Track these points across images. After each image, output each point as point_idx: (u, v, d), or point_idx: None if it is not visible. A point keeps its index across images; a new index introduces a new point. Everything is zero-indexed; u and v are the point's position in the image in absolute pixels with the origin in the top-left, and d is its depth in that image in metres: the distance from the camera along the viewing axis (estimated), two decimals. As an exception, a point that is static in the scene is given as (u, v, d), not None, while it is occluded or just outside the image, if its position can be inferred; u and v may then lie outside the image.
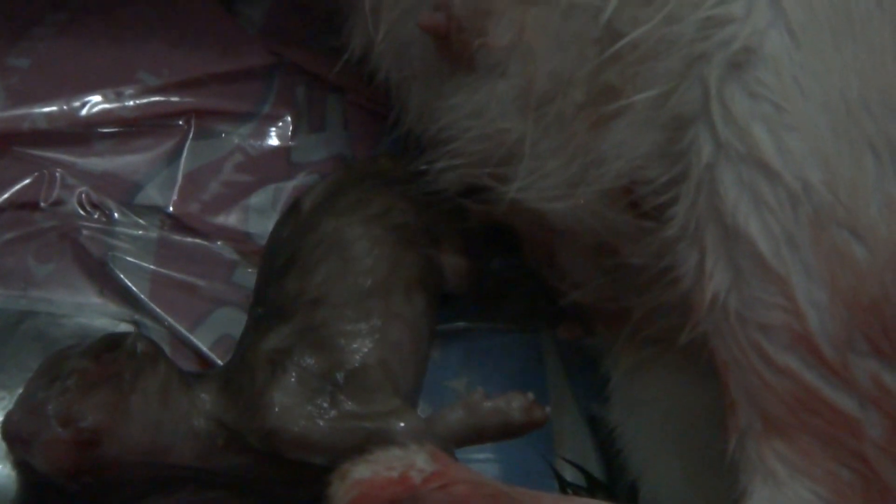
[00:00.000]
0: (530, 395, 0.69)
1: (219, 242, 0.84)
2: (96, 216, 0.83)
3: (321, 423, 0.67)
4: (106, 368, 0.67)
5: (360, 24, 0.81)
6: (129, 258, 0.82)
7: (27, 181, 0.84)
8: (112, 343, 0.68)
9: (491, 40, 0.72)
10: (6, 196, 0.83)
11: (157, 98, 0.87)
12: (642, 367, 0.78)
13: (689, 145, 0.62)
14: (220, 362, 0.77)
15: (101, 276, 0.81)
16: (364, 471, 0.61)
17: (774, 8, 0.61)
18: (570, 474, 0.79)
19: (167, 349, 0.73)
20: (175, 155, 0.87)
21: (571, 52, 0.69)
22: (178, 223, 0.84)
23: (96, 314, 0.81)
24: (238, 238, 0.84)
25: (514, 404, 0.68)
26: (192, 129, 0.87)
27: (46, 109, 0.85)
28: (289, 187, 0.87)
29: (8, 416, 0.66)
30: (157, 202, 0.84)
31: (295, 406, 0.67)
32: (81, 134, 0.86)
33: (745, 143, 0.60)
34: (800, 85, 0.61)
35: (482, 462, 0.77)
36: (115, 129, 0.86)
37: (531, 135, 0.71)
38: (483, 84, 0.73)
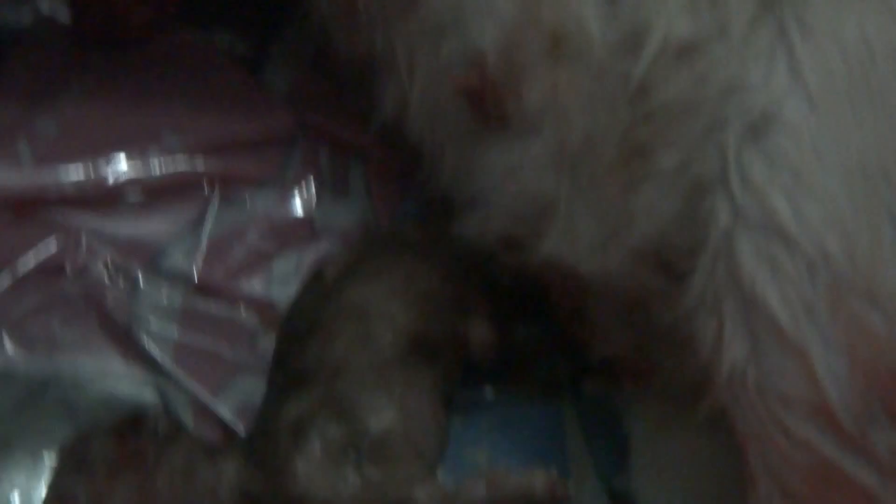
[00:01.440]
0: (553, 472, 0.72)
1: (242, 309, 0.86)
2: (121, 282, 0.86)
3: (345, 492, 0.69)
4: (130, 450, 0.69)
5: (393, 85, 0.83)
6: (153, 324, 0.84)
7: (53, 246, 0.86)
8: (135, 422, 0.71)
9: (525, 100, 0.75)
10: (33, 261, 0.86)
11: (181, 162, 0.90)
12: (665, 428, 0.79)
13: (708, 212, 0.64)
14: (242, 429, 0.79)
15: (126, 342, 0.84)
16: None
17: (793, 75, 0.64)
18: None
19: (189, 416, 0.76)
20: (199, 220, 0.89)
21: (603, 111, 0.71)
22: (202, 289, 0.86)
23: (121, 381, 0.83)
24: (261, 305, 0.86)
25: (538, 481, 0.70)
26: (217, 195, 0.90)
27: (73, 173, 0.88)
28: (312, 254, 0.89)
29: None
30: (182, 268, 0.87)
31: (319, 475, 0.69)
32: (107, 198, 0.89)
33: (763, 211, 0.62)
34: (818, 153, 0.63)
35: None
36: (140, 194, 0.89)
37: (565, 193, 0.74)
38: (517, 143, 0.76)
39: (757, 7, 0.67)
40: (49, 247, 0.86)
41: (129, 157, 0.90)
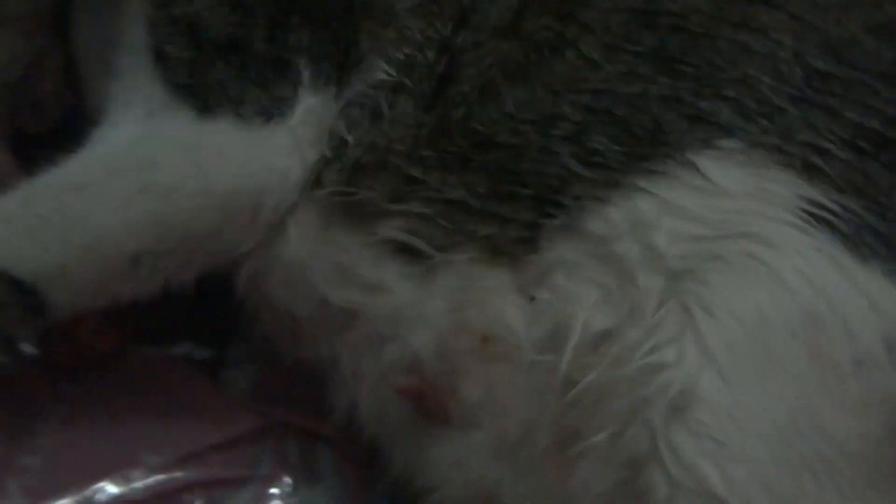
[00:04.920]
0: None
1: None
2: None
3: None
4: None
5: (341, 387, 0.97)
6: None
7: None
8: None
9: (463, 398, 0.88)
10: None
11: (161, 476, 1.00)
12: None
13: (646, 485, 0.77)
14: None
15: None
16: None
17: (702, 352, 0.78)
18: None
19: None
20: None
21: (536, 401, 0.85)
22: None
23: None
24: None
25: None
26: (201, 502, 1.00)
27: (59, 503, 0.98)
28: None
29: None
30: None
31: None
32: (98, 521, 0.99)
33: (694, 479, 0.76)
34: (736, 420, 0.76)
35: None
36: None
37: (507, 480, 0.87)
38: (460, 437, 0.89)
39: (662, 293, 0.81)
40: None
41: (114, 483, 0.99)
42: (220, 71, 0.95)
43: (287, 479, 1.04)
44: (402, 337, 0.92)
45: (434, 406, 0.90)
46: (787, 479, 0.76)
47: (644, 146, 0.87)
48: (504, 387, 0.88)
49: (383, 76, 0.93)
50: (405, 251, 0.92)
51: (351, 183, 0.94)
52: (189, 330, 1.11)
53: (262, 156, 0.94)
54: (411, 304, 0.92)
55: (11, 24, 1.08)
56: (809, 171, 0.84)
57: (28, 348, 1.04)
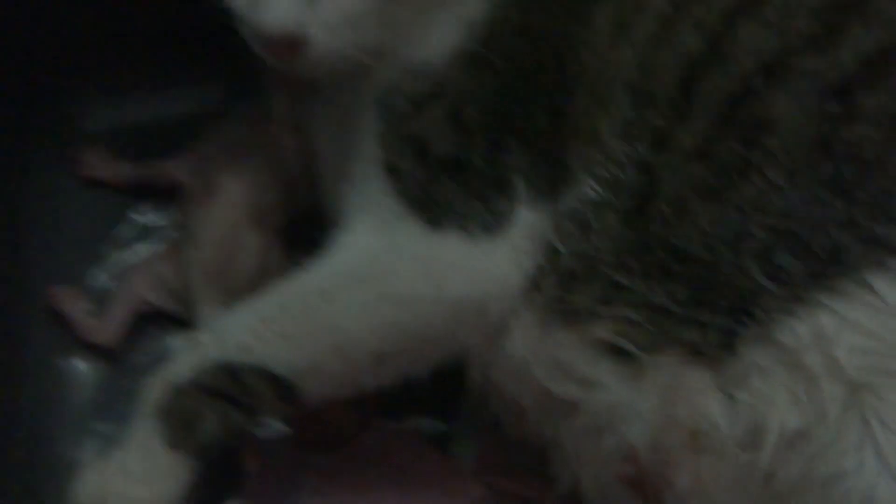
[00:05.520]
0: None
1: None
2: None
3: None
4: None
5: (564, 465, 1.07)
6: None
7: None
8: None
9: (674, 485, 0.97)
10: None
11: None
12: None
13: None
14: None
15: None
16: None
17: (880, 462, 0.87)
18: None
19: None
20: None
21: (740, 491, 0.95)
22: None
23: None
24: None
25: None
26: None
27: None
28: None
29: None
30: None
31: None
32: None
33: None
34: None
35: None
36: None
37: None
38: None
39: (844, 402, 0.90)
40: None
41: None
42: (445, 187, 1.02)
43: None
44: (617, 429, 1.00)
45: (650, 492, 0.99)
46: None
47: (825, 265, 0.93)
48: (712, 477, 0.96)
49: (590, 192, 1.00)
50: (616, 352, 0.99)
51: (565, 289, 1.01)
52: (421, 406, 1.21)
53: (486, 266, 1.02)
54: (625, 400, 0.99)
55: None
56: None
57: (282, 428, 1.18)
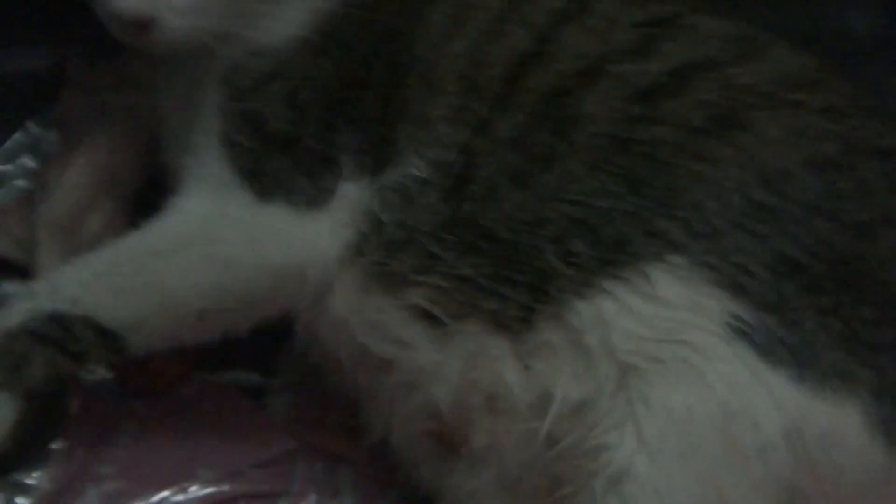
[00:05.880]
0: None
1: None
2: None
3: None
4: None
5: (376, 418, 1.13)
6: None
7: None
8: None
9: (472, 442, 1.05)
10: None
11: (212, 489, 1.17)
12: None
13: None
14: None
15: None
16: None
17: (638, 438, 0.93)
18: None
19: None
20: None
21: (529, 451, 1.02)
22: None
23: None
24: None
25: None
26: None
27: None
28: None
29: None
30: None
31: None
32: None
33: None
34: (658, 494, 0.92)
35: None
36: None
37: None
38: (471, 471, 1.06)
39: (616, 382, 0.96)
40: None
41: (172, 490, 1.16)
42: (276, 162, 1.09)
43: (314, 496, 1.19)
44: (425, 387, 1.07)
45: (451, 446, 1.07)
46: None
47: (610, 253, 0.99)
48: (505, 437, 1.03)
49: (415, 171, 1.07)
50: (427, 316, 1.06)
51: (386, 255, 1.07)
52: (238, 359, 1.25)
53: (307, 237, 1.08)
54: (432, 362, 1.06)
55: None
56: (736, 289, 0.96)
57: (105, 374, 1.23)
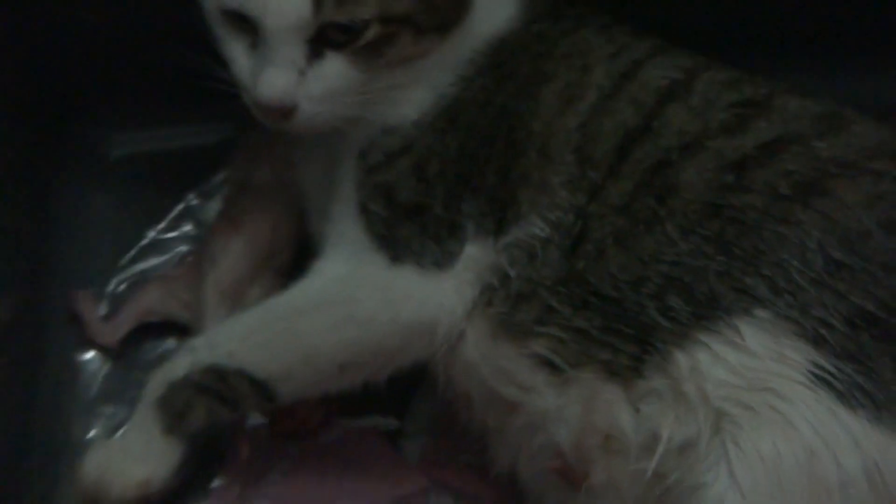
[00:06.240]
0: None
1: None
2: None
3: None
4: None
5: (504, 455, 1.21)
6: None
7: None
8: None
9: (592, 478, 1.12)
10: None
11: None
12: None
13: None
14: None
15: None
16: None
17: (731, 477, 0.99)
18: None
19: None
20: None
21: (640, 486, 1.08)
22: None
23: None
24: None
25: None
26: None
27: None
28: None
29: None
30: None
31: None
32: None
33: None
34: None
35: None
36: None
37: None
38: (594, 503, 1.13)
39: (712, 426, 1.03)
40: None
41: None
42: (407, 229, 1.17)
43: None
44: (548, 429, 1.14)
45: (573, 480, 1.13)
46: None
47: (704, 308, 1.06)
48: (620, 473, 1.10)
49: (538, 231, 1.15)
50: (549, 364, 1.13)
51: (511, 306, 1.15)
52: (377, 406, 1.33)
53: (435, 296, 1.17)
54: (554, 406, 1.13)
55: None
56: (817, 340, 1.03)
57: (260, 419, 1.32)
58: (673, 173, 1.13)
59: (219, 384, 1.20)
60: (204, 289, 1.36)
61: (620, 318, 1.11)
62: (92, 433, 1.38)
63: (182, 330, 1.39)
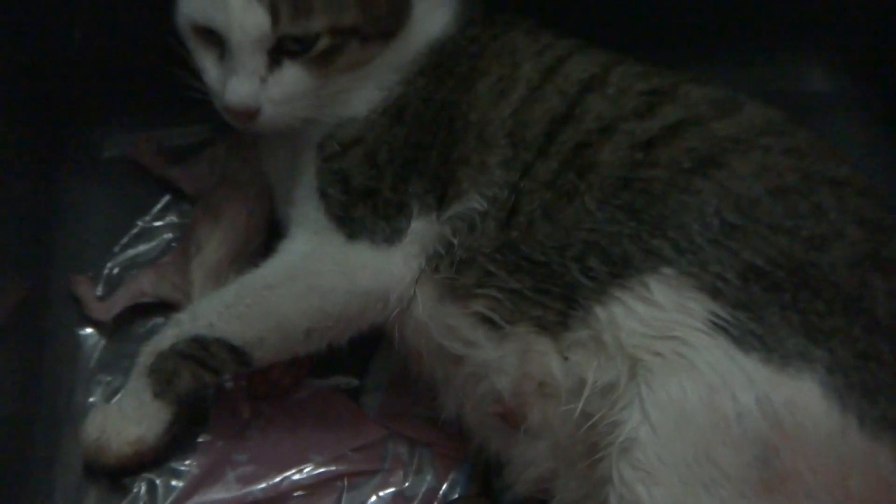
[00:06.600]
0: None
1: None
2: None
3: None
4: None
5: (451, 404, 1.31)
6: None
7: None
8: None
9: (530, 420, 1.21)
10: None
11: (322, 469, 1.37)
12: None
13: (606, 497, 1.10)
14: None
15: None
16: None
17: (643, 414, 1.08)
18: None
19: None
20: (338, 501, 1.35)
21: (571, 426, 1.16)
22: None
23: None
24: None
25: None
26: (345, 486, 1.37)
27: (259, 487, 1.36)
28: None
29: None
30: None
31: None
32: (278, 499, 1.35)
33: (632, 496, 1.08)
34: (659, 457, 1.07)
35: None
36: (301, 492, 1.36)
37: (560, 471, 1.21)
38: (530, 443, 1.22)
39: (628, 371, 1.12)
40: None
41: (293, 473, 1.36)
42: (361, 210, 1.27)
43: (401, 472, 1.39)
44: (490, 378, 1.23)
45: (513, 423, 1.22)
46: (690, 495, 1.06)
47: (618, 268, 1.15)
48: (553, 415, 1.19)
49: (477, 205, 1.23)
50: (489, 321, 1.22)
51: (455, 272, 1.24)
52: (339, 366, 1.42)
53: (387, 267, 1.26)
54: (494, 358, 1.22)
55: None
56: (715, 292, 1.11)
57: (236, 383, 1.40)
58: (592, 153, 1.22)
59: (201, 352, 1.30)
60: (190, 270, 1.45)
61: (548, 279, 1.20)
62: (92, 399, 1.45)
63: (169, 308, 1.47)
